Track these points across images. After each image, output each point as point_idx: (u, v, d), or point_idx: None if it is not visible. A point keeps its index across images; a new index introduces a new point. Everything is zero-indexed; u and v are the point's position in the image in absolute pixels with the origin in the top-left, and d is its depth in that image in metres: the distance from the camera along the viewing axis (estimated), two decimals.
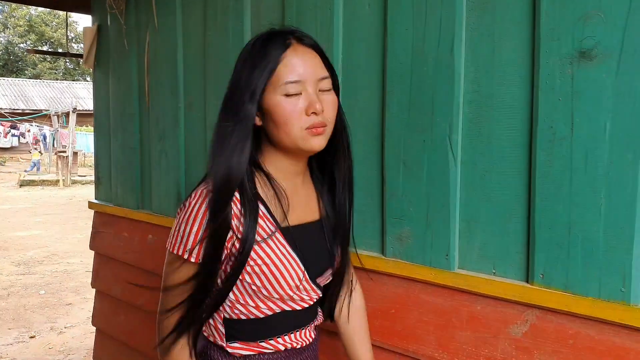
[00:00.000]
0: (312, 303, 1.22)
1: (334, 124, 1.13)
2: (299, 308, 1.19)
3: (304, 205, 1.21)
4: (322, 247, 1.23)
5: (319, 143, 1.10)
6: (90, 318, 3.06)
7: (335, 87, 1.14)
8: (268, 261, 1.11)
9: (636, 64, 1.08)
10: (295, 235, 1.15)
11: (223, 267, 1.12)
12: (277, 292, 1.13)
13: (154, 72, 2.38)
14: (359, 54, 1.57)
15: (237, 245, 1.08)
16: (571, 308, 1.17)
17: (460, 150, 1.36)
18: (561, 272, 1.19)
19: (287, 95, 1.06)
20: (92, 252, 2.93)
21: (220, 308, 1.16)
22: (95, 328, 3.00)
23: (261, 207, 1.12)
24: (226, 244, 1.08)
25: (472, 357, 1.33)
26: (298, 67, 1.07)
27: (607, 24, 1.10)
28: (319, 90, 1.09)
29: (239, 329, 1.17)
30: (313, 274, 1.18)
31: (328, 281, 1.26)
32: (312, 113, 1.07)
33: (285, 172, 1.17)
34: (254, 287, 1.12)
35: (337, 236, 1.24)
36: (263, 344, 1.18)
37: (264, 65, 1.06)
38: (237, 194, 1.08)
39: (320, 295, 1.23)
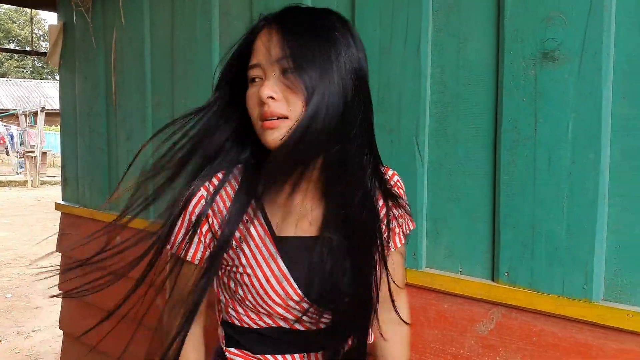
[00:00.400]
0: (322, 327, 1.02)
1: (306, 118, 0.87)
2: (302, 329, 1.02)
3: (305, 215, 1.01)
4: (323, 267, 0.98)
5: (270, 138, 0.89)
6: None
7: (303, 69, 0.87)
8: (250, 272, 0.98)
9: (596, 65, 1.09)
10: (291, 248, 0.99)
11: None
12: (263, 307, 1.00)
13: (121, 71, 2.34)
14: None
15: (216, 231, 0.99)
16: (535, 306, 1.19)
17: (427, 151, 1.36)
18: (526, 271, 1.21)
19: (250, 83, 0.94)
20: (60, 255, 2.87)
21: (218, 309, 1.11)
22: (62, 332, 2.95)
23: (254, 206, 0.99)
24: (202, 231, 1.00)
25: (440, 355, 1.34)
26: (259, 49, 0.92)
27: (569, 25, 1.12)
28: (282, 74, 0.89)
29: (239, 336, 1.06)
30: (314, 295, 0.98)
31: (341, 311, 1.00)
32: (261, 102, 0.90)
33: None
34: (237, 296, 1.02)
35: (353, 259, 0.97)
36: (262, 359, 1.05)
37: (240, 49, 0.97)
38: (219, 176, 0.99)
39: (334, 320, 1.01)
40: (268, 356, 1.04)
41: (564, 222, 1.14)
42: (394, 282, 1.06)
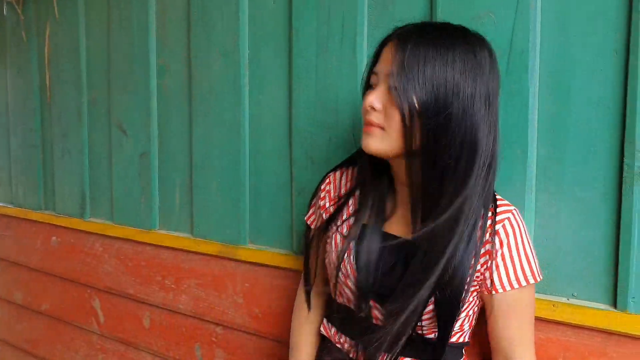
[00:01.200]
0: (375, 322, 1.07)
1: (406, 133, 0.94)
2: (361, 314, 1.07)
3: (398, 215, 1.08)
4: (395, 269, 1.03)
5: (365, 142, 0.99)
6: None
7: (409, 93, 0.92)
8: (332, 241, 1.13)
9: (524, 63, 1.13)
10: (372, 238, 1.06)
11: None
12: (333, 279, 1.12)
13: (55, 65, 2.26)
14: (265, 49, 1.55)
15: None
16: None
17: None
18: None
19: (371, 87, 1.02)
20: None
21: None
22: None
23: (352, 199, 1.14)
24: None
25: None
26: (381, 58, 0.99)
27: (497, 24, 1.15)
28: (391, 89, 0.94)
29: (327, 306, 1.24)
30: (372, 289, 1.04)
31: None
32: (367, 109, 0.98)
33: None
34: (324, 261, 1.19)
35: (427, 274, 0.96)
36: (331, 330, 1.18)
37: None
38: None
39: (386, 319, 1.03)
40: (334, 330, 1.17)
41: None
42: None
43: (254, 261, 1.59)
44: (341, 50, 1.38)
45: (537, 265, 1.04)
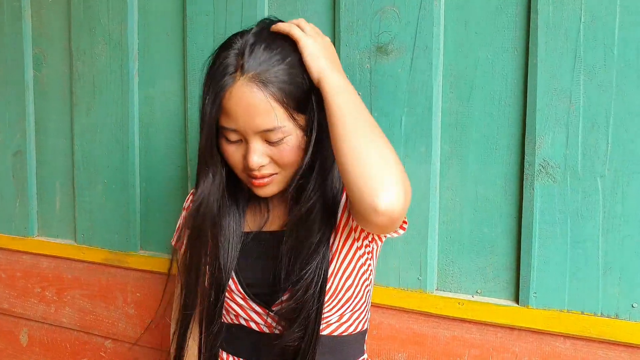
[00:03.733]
0: (274, 331, 0.99)
1: (300, 165, 0.93)
2: (255, 328, 1.01)
3: (267, 211, 1.05)
4: (271, 264, 0.99)
5: (264, 194, 0.96)
6: None
7: (304, 126, 0.92)
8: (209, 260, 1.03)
9: (427, 59, 1.11)
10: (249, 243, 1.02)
11: None
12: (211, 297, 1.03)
13: None
14: (157, 39, 1.44)
15: None
16: (374, 299, 1.18)
17: None
18: None
19: (227, 140, 0.93)
20: None
21: None
22: None
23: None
24: None
25: None
26: (234, 114, 0.89)
27: (401, 19, 1.13)
28: (266, 141, 0.90)
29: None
30: (257, 293, 1.00)
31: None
32: (247, 169, 0.93)
33: None
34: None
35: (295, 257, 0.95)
36: (223, 354, 1.06)
37: (210, 99, 0.90)
38: None
39: (282, 322, 0.99)
40: (225, 353, 1.06)
41: None
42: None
43: (146, 269, 1.48)
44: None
45: None
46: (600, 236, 1.01)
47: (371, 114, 1.15)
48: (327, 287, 0.95)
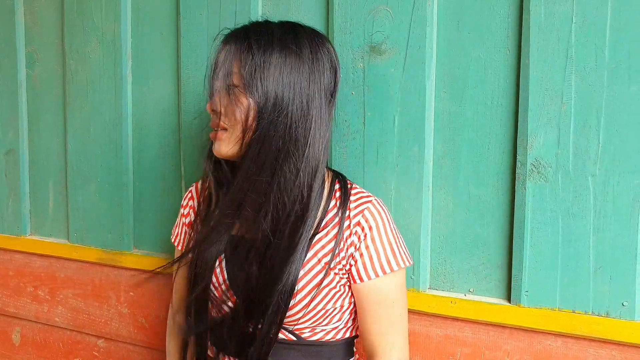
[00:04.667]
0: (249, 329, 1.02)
1: (248, 130, 0.94)
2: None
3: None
4: (255, 272, 0.99)
5: (215, 149, 1.00)
6: None
7: (251, 89, 0.94)
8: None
9: (420, 59, 1.12)
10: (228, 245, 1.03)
11: None
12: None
13: None
14: (150, 38, 1.43)
15: None
16: None
17: None
18: None
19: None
20: None
21: None
22: None
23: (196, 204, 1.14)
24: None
25: None
26: (217, 64, 0.97)
27: (395, 19, 1.13)
28: (227, 89, 0.96)
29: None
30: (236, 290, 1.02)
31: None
32: (210, 111, 1.00)
33: None
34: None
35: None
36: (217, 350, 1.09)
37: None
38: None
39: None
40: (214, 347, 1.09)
41: (391, 214, 1.15)
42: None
43: (139, 268, 1.47)
44: None
45: (403, 252, 1.02)
46: (591, 235, 1.02)
47: (364, 113, 1.16)
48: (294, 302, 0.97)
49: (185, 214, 1.17)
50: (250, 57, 0.93)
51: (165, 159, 1.44)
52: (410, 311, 1.15)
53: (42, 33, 1.61)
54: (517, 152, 1.06)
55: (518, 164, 1.06)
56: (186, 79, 1.37)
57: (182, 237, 1.18)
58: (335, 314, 1.02)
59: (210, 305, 1.06)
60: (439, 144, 1.14)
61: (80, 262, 1.58)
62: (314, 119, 0.96)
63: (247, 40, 0.95)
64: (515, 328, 1.08)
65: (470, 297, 1.13)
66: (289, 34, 0.96)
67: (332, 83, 0.99)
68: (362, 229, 0.99)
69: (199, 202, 1.13)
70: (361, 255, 0.99)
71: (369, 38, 1.16)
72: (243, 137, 0.95)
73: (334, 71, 1.00)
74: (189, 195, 1.18)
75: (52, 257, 1.63)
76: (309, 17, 1.23)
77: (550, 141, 1.03)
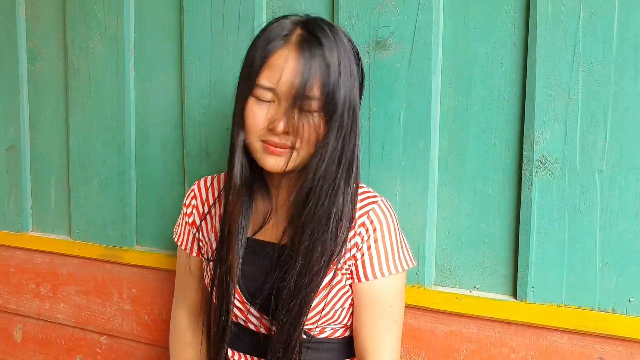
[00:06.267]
0: (271, 333, 1.01)
1: (315, 155, 0.92)
2: (252, 328, 1.06)
3: (272, 221, 1.04)
4: (270, 277, 1.00)
5: (271, 164, 0.93)
6: None
7: (329, 113, 0.91)
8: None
9: (426, 54, 1.11)
10: (248, 250, 1.03)
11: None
12: (219, 298, 1.04)
13: None
14: (153, 33, 1.43)
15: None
16: None
17: None
18: None
19: (258, 99, 0.92)
20: None
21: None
22: None
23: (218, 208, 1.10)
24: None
25: None
26: (278, 72, 0.89)
27: (400, 14, 1.13)
28: (299, 109, 0.90)
29: (214, 323, 1.10)
30: (256, 298, 1.01)
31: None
32: (270, 130, 0.91)
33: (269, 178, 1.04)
34: (205, 283, 1.12)
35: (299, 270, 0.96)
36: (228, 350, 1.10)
37: (258, 54, 0.92)
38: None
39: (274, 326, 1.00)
40: (228, 349, 1.09)
41: (397, 210, 1.15)
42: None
43: (142, 264, 1.47)
44: (238, 35, 1.29)
45: (405, 254, 1.02)
46: (598, 231, 1.02)
47: (370, 108, 1.15)
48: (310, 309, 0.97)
49: (188, 213, 1.15)
50: (329, 76, 0.89)
51: (168, 155, 1.43)
52: (415, 307, 1.16)
53: (44, 28, 1.60)
54: (524, 148, 1.06)
55: (524, 160, 1.06)
56: (189, 75, 1.36)
57: (186, 237, 1.17)
58: (344, 312, 1.02)
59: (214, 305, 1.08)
60: (445, 139, 1.13)
61: (83, 259, 1.57)
62: (358, 134, 0.97)
63: (322, 55, 0.89)
64: (521, 324, 1.08)
65: (475, 293, 1.13)
66: (347, 42, 0.96)
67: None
68: (366, 230, 0.98)
69: (202, 202, 1.12)
70: (362, 255, 0.98)
71: (374, 33, 1.15)
72: (312, 155, 0.93)
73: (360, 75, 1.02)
74: (192, 194, 1.15)
75: (54, 253, 1.62)
76: (314, 11, 1.20)
77: (557, 137, 1.03)
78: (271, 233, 1.03)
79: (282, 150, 0.92)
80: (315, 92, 0.89)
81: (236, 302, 1.03)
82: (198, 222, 1.13)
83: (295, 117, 0.90)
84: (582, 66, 1.00)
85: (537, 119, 1.04)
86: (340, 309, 1.01)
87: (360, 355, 1.02)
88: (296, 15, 0.96)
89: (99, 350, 1.58)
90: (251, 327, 1.06)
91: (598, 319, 1.02)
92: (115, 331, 1.54)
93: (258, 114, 0.92)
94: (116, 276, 1.53)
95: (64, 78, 1.56)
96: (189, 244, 1.16)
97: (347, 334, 1.06)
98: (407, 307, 1.17)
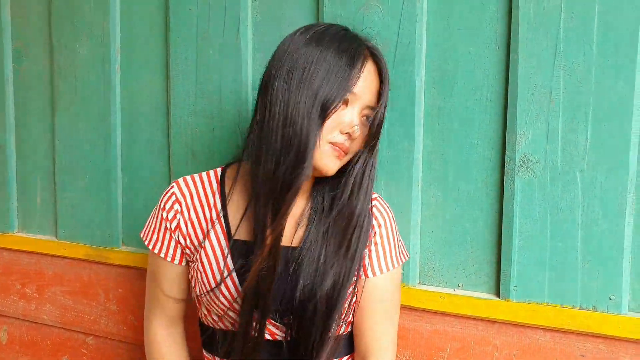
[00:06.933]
0: (277, 338, 1.01)
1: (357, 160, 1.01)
2: (269, 337, 1.01)
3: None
4: (284, 280, 0.98)
5: (333, 165, 0.96)
6: None
7: (381, 122, 1.00)
8: (201, 268, 1.02)
9: (410, 54, 1.12)
10: (247, 252, 0.99)
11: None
12: (214, 307, 1.02)
13: None
14: (139, 31, 1.43)
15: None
16: None
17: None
18: None
19: (344, 102, 0.95)
20: None
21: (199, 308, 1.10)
22: None
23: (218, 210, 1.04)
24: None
25: None
26: (366, 82, 0.96)
27: (384, 15, 1.13)
28: (361, 116, 0.97)
29: (204, 335, 1.10)
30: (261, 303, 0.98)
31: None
32: (347, 133, 0.95)
33: None
34: (195, 294, 1.05)
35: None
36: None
37: (347, 64, 0.93)
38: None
39: (289, 333, 1.00)
40: None
41: None
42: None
43: (129, 264, 1.46)
44: (223, 35, 1.30)
45: (403, 247, 1.09)
46: (580, 230, 1.03)
47: None
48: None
49: (169, 218, 1.05)
50: (384, 89, 0.99)
51: (154, 155, 1.43)
52: (400, 306, 1.16)
53: (30, 28, 1.59)
54: (506, 148, 1.07)
55: (507, 160, 1.07)
56: (175, 75, 1.36)
57: (166, 244, 1.06)
58: (350, 309, 1.02)
59: (207, 312, 1.05)
60: (429, 139, 1.14)
61: (69, 259, 1.56)
62: None
63: (386, 68, 1.00)
64: (504, 323, 1.09)
65: (459, 292, 1.13)
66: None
67: None
68: (372, 227, 1.01)
69: (187, 207, 1.04)
70: (370, 252, 1.02)
71: (359, 33, 1.15)
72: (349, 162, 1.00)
73: None
74: (173, 198, 1.05)
75: (40, 254, 1.61)
76: (299, 12, 1.23)
77: (539, 137, 1.04)
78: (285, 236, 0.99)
79: (345, 154, 0.96)
80: (377, 103, 0.99)
81: (237, 307, 0.99)
82: (184, 229, 1.04)
83: (362, 120, 0.97)
84: (563, 67, 1.01)
85: (520, 120, 1.05)
86: (348, 306, 1.01)
87: (364, 352, 1.03)
88: (335, 25, 1.02)
89: (85, 351, 1.58)
90: (267, 336, 1.01)
91: (580, 317, 1.03)
92: (101, 332, 1.54)
93: (343, 118, 0.94)
94: (102, 276, 1.52)
95: (50, 78, 1.56)
96: (170, 251, 1.06)
97: (349, 329, 1.06)
98: None
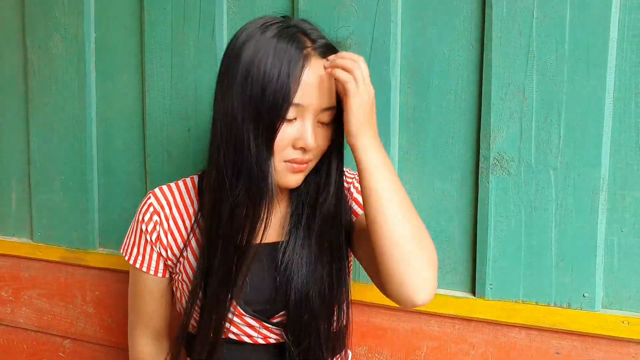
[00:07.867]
0: (274, 342, 0.99)
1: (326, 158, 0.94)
2: (248, 341, 0.98)
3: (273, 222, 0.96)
4: (271, 276, 0.96)
5: (294, 181, 0.90)
6: None
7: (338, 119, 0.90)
8: (186, 279, 0.99)
9: (385, 54, 1.12)
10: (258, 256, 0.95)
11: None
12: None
13: None
14: (114, 33, 1.41)
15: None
16: None
17: None
18: None
19: (287, 120, 0.86)
20: None
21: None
22: None
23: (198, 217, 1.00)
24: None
25: None
26: (309, 88, 0.85)
27: (359, 14, 1.13)
28: (318, 122, 0.88)
29: (194, 342, 1.02)
30: (255, 306, 0.96)
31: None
32: (301, 148, 0.87)
33: None
34: (180, 305, 1.02)
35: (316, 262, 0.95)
36: None
37: (283, 75, 0.83)
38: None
39: (284, 334, 0.97)
40: None
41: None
42: None
43: (105, 267, 1.45)
44: (199, 34, 1.29)
45: None
46: (553, 228, 1.04)
47: None
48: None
49: (149, 230, 1.00)
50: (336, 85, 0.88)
51: (130, 156, 1.42)
52: (377, 305, 1.17)
53: (3, 28, 1.57)
54: (481, 146, 1.07)
55: (481, 158, 1.07)
56: (150, 74, 1.35)
57: (147, 257, 1.01)
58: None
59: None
60: (404, 138, 1.14)
61: (45, 262, 1.55)
62: None
63: (323, 49, 0.89)
64: (480, 321, 1.10)
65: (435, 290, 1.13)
66: None
67: None
68: (347, 189, 1.00)
69: (166, 217, 1.00)
70: (351, 195, 1.01)
71: (334, 33, 1.15)
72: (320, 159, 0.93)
73: None
74: (150, 209, 1.00)
75: (15, 256, 1.59)
76: (274, 10, 1.21)
77: (513, 135, 1.04)
78: (272, 233, 0.96)
79: (305, 166, 0.90)
80: (333, 102, 0.88)
81: (247, 319, 0.97)
82: (165, 240, 1.00)
83: (317, 128, 0.88)
84: (536, 65, 1.02)
85: (493, 118, 1.05)
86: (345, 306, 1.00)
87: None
88: (278, 19, 0.90)
89: (62, 355, 1.56)
90: (245, 339, 0.98)
91: (554, 315, 1.04)
92: (78, 334, 1.52)
93: (285, 135, 0.86)
94: (79, 279, 1.50)
95: (24, 79, 1.54)
96: (153, 264, 1.01)
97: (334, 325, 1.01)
98: (369, 305, 1.18)
